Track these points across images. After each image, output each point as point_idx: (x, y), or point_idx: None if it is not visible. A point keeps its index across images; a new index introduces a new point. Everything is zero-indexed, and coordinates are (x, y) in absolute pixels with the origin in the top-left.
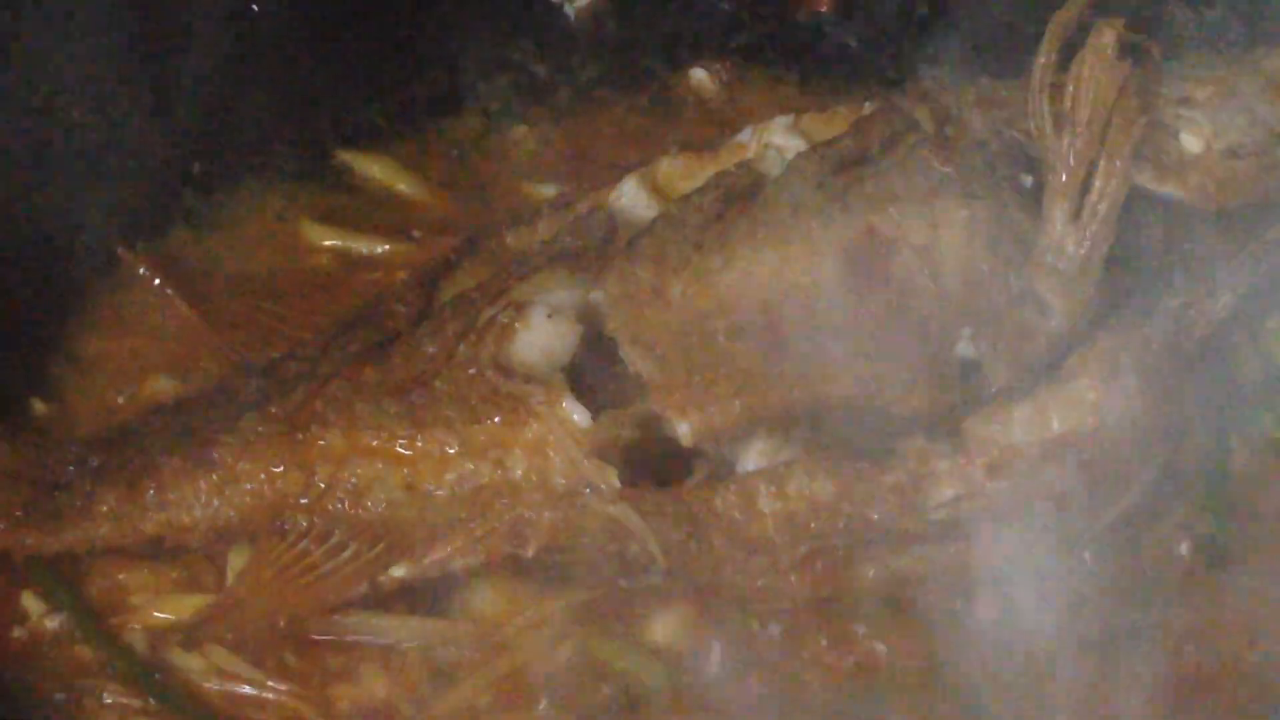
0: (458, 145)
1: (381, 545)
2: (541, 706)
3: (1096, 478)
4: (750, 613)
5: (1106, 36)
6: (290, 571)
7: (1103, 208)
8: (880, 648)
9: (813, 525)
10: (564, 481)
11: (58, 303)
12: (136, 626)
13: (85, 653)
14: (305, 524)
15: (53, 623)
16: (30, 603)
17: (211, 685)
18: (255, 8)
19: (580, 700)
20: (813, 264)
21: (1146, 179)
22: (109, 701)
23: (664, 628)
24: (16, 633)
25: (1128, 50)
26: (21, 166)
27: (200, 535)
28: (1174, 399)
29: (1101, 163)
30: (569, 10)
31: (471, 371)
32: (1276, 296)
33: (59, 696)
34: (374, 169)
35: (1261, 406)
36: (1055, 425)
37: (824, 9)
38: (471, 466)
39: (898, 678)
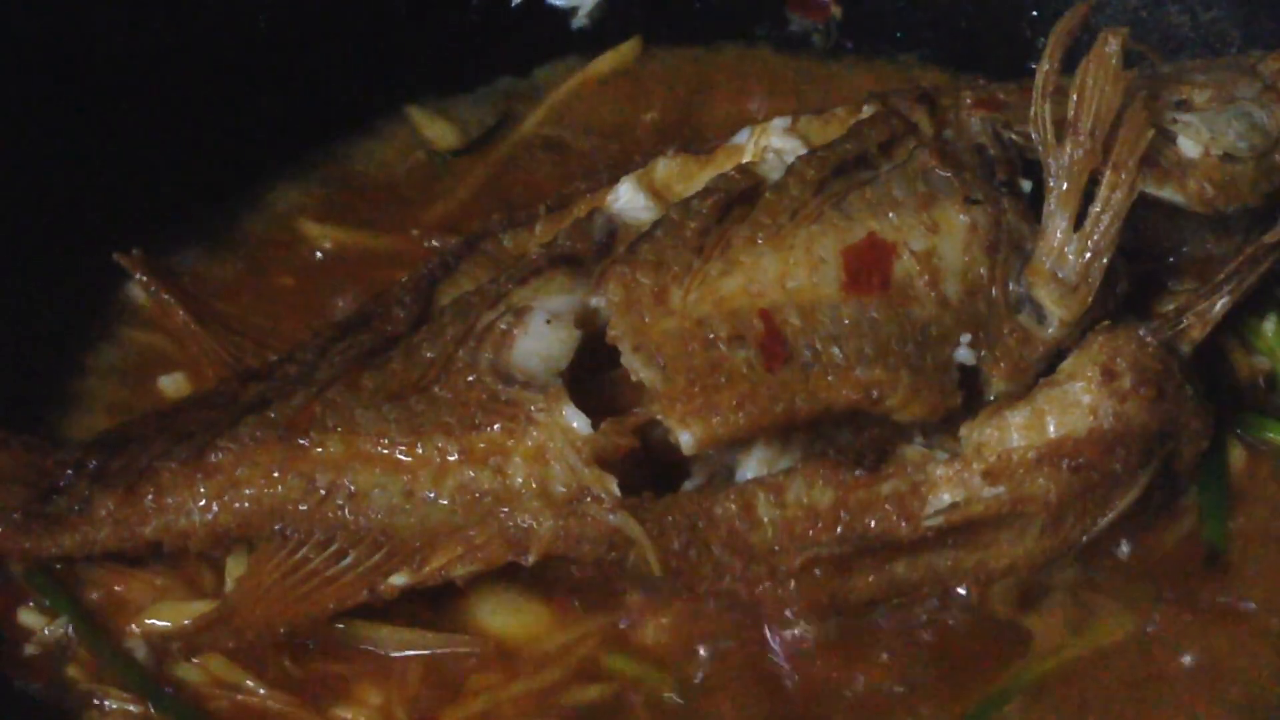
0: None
1: (382, 552)
2: None
3: (1093, 481)
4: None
5: (1111, 45)
6: (290, 579)
7: (1106, 219)
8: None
9: (811, 533)
10: (564, 489)
11: (60, 307)
12: (136, 632)
13: (87, 660)
14: (305, 530)
15: (53, 633)
16: (29, 617)
17: (211, 693)
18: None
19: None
20: (813, 270)
21: (1145, 182)
22: (111, 707)
23: (657, 632)
24: (29, 648)
25: (1133, 58)
26: (22, 170)
27: (199, 541)
28: (1170, 402)
29: (1107, 174)
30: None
31: (471, 378)
32: (1271, 299)
33: (64, 704)
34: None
35: (1256, 409)
36: (1052, 429)
37: (824, 16)
38: (471, 474)
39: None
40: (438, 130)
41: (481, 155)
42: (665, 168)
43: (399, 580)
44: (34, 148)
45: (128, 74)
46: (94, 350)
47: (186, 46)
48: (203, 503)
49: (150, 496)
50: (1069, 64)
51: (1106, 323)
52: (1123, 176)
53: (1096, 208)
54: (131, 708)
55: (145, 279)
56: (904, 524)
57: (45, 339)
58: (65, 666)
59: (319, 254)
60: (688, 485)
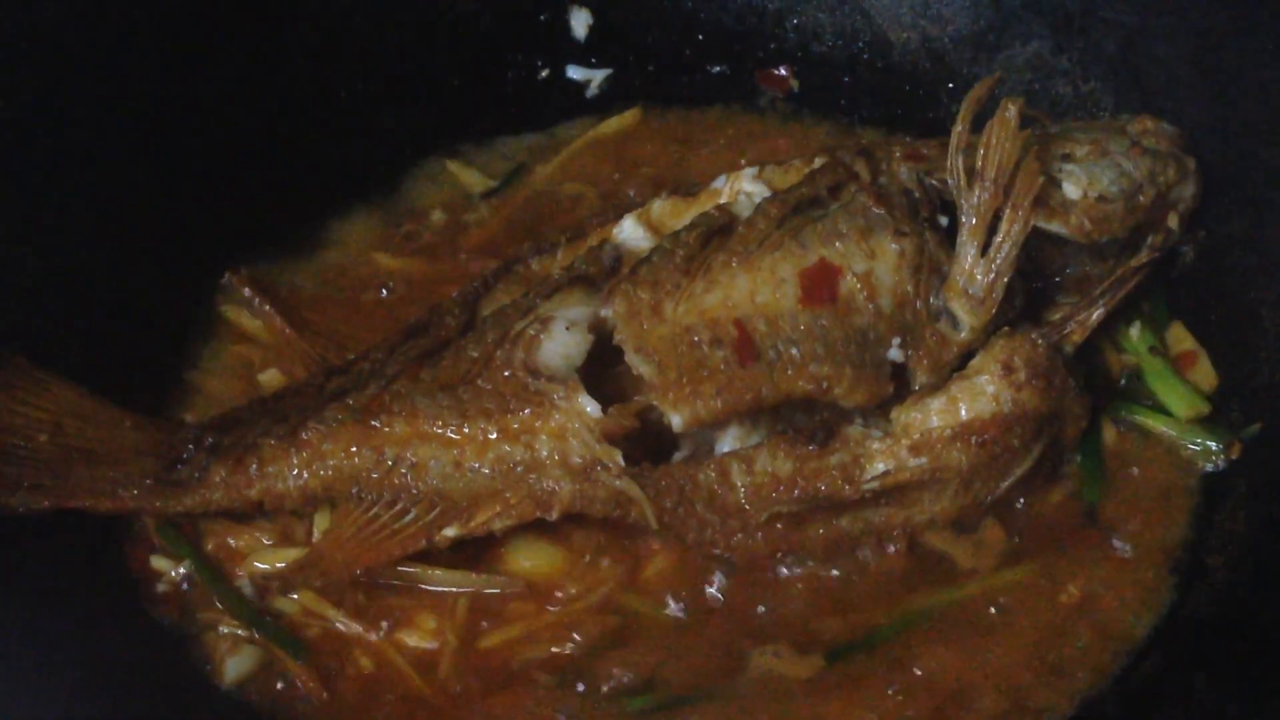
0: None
1: (437, 510)
2: (567, 645)
3: (996, 453)
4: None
5: (1011, 110)
6: (364, 531)
7: (1006, 247)
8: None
9: (774, 495)
10: (580, 460)
11: (178, 316)
12: (243, 574)
13: (205, 595)
14: (376, 493)
15: (179, 575)
16: (159, 563)
17: (303, 621)
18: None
19: (591, 628)
20: (776, 287)
21: (1037, 218)
22: (224, 632)
23: (657, 572)
24: (160, 586)
25: (1027, 121)
26: (152, 204)
27: (293, 501)
28: (1056, 391)
29: (1007, 211)
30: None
31: (506, 373)
32: (1135, 309)
33: (187, 630)
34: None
35: (1124, 397)
36: (963, 412)
37: (785, 88)
38: (507, 448)
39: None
40: (471, 176)
41: (510, 196)
42: (660, 207)
43: (450, 532)
44: (158, 187)
45: (237, 127)
46: (206, 351)
47: (283, 108)
48: (296, 471)
49: (254, 466)
50: (978, 125)
51: (1006, 329)
52: (1019, 214)
53: (999, 238)
54: (240, 632)
55: (250, 292)
56: (847, 487)
57: (168, 342)
58: (188, 600)
59: (387, 277)
60: (677, 457)
